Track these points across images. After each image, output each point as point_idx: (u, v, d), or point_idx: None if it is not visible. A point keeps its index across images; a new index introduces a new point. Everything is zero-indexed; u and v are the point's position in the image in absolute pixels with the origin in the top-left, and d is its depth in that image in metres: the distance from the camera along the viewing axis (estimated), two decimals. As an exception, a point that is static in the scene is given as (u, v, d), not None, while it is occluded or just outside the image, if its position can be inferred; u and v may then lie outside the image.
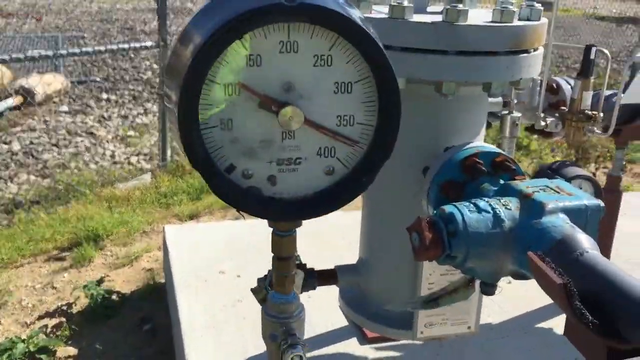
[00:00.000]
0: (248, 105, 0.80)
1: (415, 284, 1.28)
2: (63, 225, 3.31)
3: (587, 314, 0.76)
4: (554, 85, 1.79)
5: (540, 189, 1.00)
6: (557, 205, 0.95)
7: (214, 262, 2.24)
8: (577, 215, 0.95)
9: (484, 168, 1.09)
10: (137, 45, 4.24)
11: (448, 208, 0.97)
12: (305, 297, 1.17)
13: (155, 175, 4.21)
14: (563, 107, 1.72)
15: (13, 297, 2.56)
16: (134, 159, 4.83)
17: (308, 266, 1.37)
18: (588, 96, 1.65)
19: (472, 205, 0.98)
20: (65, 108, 6.00)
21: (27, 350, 2.13)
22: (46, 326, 2.33)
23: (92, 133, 5.39)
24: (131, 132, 5.46)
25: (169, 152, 4.47)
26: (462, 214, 0.96)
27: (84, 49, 4.99)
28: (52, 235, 3.17)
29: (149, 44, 4.21)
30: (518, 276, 0.99)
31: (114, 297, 2.46)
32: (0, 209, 3.71)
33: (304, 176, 0.87)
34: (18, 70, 6.63)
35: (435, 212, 1.00)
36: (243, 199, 0.86)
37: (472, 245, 0.96)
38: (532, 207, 0.96)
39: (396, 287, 1.36)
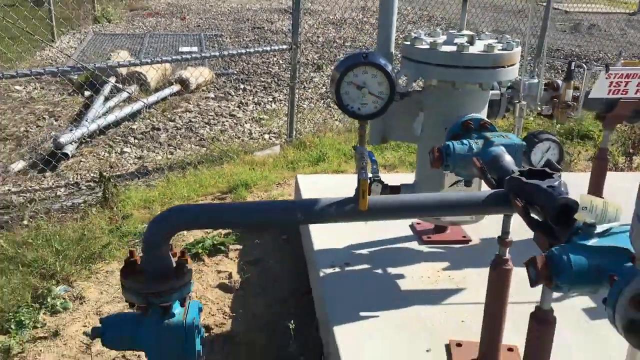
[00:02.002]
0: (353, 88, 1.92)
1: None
2: (221, 178, 4.65)
3: (492, 178, 1.81)
4: (555, 85, 2.75)
5: (496, 136, 2.05)
6: (500, 141, 1.99)
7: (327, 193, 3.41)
8: (509, 148, 1.99)
9: (473, 126, 2.15)
10: (275, 47, 5.52)
11: (447, 142, 2.05)
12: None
13: (283, 148, 5.49)
14: (556, 99, 2.69)
15: (197, 217, 3.89)
16: (266, 136, 6.16)
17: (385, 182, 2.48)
18: (569, 93, 2.61)
19: (460, 142, 2.05)
20: (212, 95, 7.49)
21: (211, 243, 3.43)
22: (220, 234, 3.63)
23: (233, 115, 6.81)
24: (263, 115, 6.81)
25: (294, 131, 5.73)
26: (453, 145, 2.03)
27: (226, 51, 6.37)
28: (215, 183, 4.51)
29: (284, 47, 5.48)
30: (478, 176, 2.04)
31: (262, 219, 3.71)
32: (176, 166, 5.15)
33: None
34: (176, 64, 8.22)
35: (444, 144, 2.08)
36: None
37: (457, 160, 2.03)
38: (487, 142, 2.01)
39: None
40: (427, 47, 2.22)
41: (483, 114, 2.35)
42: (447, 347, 2.15)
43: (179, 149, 5.75)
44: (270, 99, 7.45)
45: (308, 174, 4.24)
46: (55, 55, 8.90)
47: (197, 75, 7.48)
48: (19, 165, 5.05)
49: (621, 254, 1.21)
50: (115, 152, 5.54)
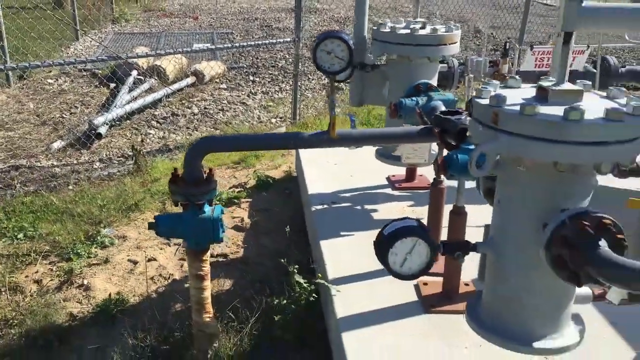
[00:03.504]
0: (324, 53, 2.67)
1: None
2: (233, 154, 5.42)
3: (427, 120, 2.55)
4: (497, 61, 3.48)
5: (437, 94, 2.79)
6: (438, 97, 2.73)
7: (322, 159, 4.16)
8: (445, 102, 2.72)
9: (421, 88, 2.89)
10: (280, 40, 6.28)
11: (400, 99, 2.79)
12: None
13: (288, 129, 6.25)
14: (497, 73, 3.42)
15: (214, 180, 4.66)
16: (273, 120, 6.92)
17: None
18: (505, 67, 3.34)
19: (410, 99, 2.79)
20: (224, 86, 8.27)
21: (227, 197, 4.20)
22: (234, 190, 4.39)
23: (244, 103, 7.58)
24: (271, 103, 7.57)
25: (297, 115, 6.50)
26: (405, 101, 2.77)
27: (240, 44, 7.16)
28: (228, 156, 5.28)
29: (287, 39, 6.23)
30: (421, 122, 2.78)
31: (269, 180, 4.47)
32: (192, 143, 5.92)
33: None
34: (190, 58, 9.01)
35: (398, 100, 2.82)
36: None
37: (407, 111, 2.77)
38: (429, 98, 2.74)
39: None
40: (389, 30, 2.97)
41: (433, 82, 3.09)
42: (417, 287, 2.70)
43: (197, 130, 6.52)
44: (277, 89, 8.21)
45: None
46: (80, 52, 9.73)
47: (210, 68, 8.26)
48: (59, 144, 5.84)
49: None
50: (141, 134, 6.33)
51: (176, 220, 2.42)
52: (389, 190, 3.67)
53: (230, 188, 4.49)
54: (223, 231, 2.47)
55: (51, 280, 3.39)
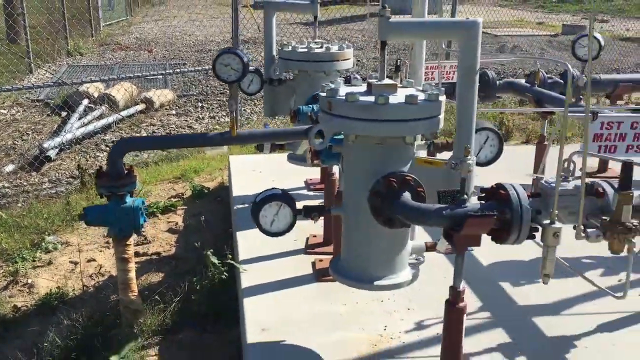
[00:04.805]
0: (223, 66, 3.17)
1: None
2: (176, 169, 5.85)
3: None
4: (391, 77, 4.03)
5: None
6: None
7: (250, 168, 4.63)
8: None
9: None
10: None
11: (298, 106, 3.30)
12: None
13: (230, 147, 6.71)
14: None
15: (153, 192, 5.08)
16: (217, 141, 7.38)
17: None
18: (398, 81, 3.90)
19: (307, 106, 3.30)
20: (173, 112, 8.71)
21: (164, 205, 4.62)
22: (171, 199, 4.82)
23: (191, 127, 8.02)
24: (217, 127, 8.04)
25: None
26: (302, 108, 3.28)
27: (182, 70, 7.66)
28: (170, 172, 5.70)
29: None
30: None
31: (204, 189, 4.91)
32: (141, 164, 6.32)
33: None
34: (142, 87, 9.44)
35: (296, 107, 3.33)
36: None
37: (304, 117, 3.27)
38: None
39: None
40: (290, 49, 3.49)
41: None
42: (313, 263, 3.20)
43: (144, 153, 6.92)
44: (224, 114, 8.69)
45: (238, 155, 5.48)
46: (34, 83, 10.06)
47: (159, 96, 8.71)
48: (10, 167, 6.17)
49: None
50: (90, 157, 6.70)
51: (102, 210, 2.84)
52: (305, 192, 4.16)
53: (168, 198, 4.91)
54: (144, 220, 2.90)
55: (-2, 280, 3.74)
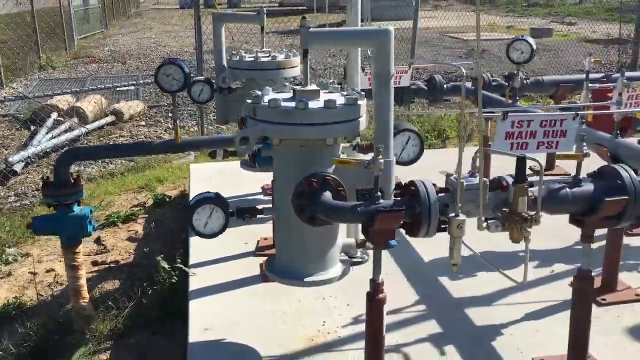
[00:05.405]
0: (164, 76, 3.27)
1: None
2: (141, 179, 5.92)
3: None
4: (340, 83, 4.16)
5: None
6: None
7: (209, 176, 4.73)
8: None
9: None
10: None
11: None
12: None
13: (196, 156, 6.79)
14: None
15: (116, 202, 5.14)
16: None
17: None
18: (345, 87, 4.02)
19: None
20: (143, 123, 8.77)
21: (125, 214, 4.69)
22: (133, 208, 4.89)
23: (160, 137, 8.09)
24: (186, 136, 8.12)
25: (206, 144, 7.06)
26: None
27: (146, 81, 7.74)
28: (135, 181, 5.77)
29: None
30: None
31: (166, 198, 4.99)
32: (107, 175, 6.38)
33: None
34: (111, 99, 9.49)
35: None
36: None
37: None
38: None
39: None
40: (238, 59, 3.60)
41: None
42: (261, 265, 3.30)
43: (111, 163, 6.98)
44: (194, 123, 8.77)
45: (199, 163, 5.57)
46: (5, 97, 10.06)
47: (128, 107, 8.77)
48: (-24, 182, 6.19)
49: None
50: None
51: (50, 220, 2.92)
52: (261, 196, 4.26)
53: (131, 208, 4.98)
54: (93, 227, 2.98)
55: (-44, 292, 3.78)
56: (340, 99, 2.17)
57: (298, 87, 2.26)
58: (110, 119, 8.54)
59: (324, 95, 2.26)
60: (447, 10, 21.30)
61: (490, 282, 2.96)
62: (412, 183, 2.01)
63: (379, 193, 1.98)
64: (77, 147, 2.84)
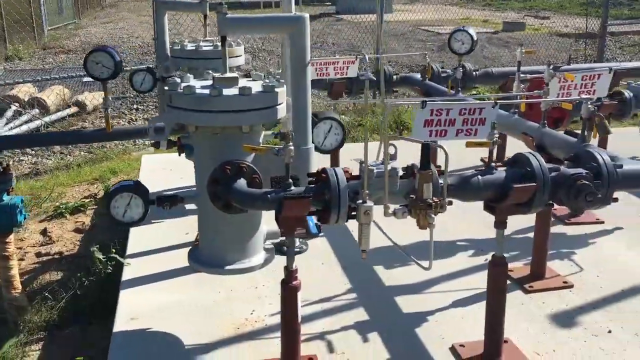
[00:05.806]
0: (94, 64, 3.23)
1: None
2: (97, 171, 5.85)
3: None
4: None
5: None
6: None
7: (161, 167, 4.68)
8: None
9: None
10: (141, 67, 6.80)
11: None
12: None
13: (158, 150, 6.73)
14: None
15: (68, 194, 5.08)
16: (147, 142, 7.38)
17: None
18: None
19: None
20: (106, 114, 8.67)
21: (74, 206, 4.63)
22: (84, 200, 4.83)
23: (123, 129, 8.00)
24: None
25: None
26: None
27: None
28: (90, 173, 5.70)
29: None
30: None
31: (117, 189, 4.93)
32: (64, 168, 6.29)
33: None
34: (76, 91, 9.35)
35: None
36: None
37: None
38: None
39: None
40: (180, 47, 3.56)
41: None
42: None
43: (70, 155, 6.89)
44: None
45: (151, 154, 5.52)
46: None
47: (92, 98, 8.65)
48: None
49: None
50: (14, 161, 6.63)
51: (-22, 209, 2.86)
52: (209, 187, 4.23)
53: (81, 199, 4.91)
54: (24, 217, 2.93)
55: None
56: (257, 87, 2.16)
57: (217, 75, 2.25)
58: (72, 110, 8.42)
59: (242, 83, 2.24)
60: (424, 4, 21.33)
61: (425, 271, 2.97)
62: (324, 170, 2.01)
63: (290, 180, 1.98)
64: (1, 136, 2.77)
